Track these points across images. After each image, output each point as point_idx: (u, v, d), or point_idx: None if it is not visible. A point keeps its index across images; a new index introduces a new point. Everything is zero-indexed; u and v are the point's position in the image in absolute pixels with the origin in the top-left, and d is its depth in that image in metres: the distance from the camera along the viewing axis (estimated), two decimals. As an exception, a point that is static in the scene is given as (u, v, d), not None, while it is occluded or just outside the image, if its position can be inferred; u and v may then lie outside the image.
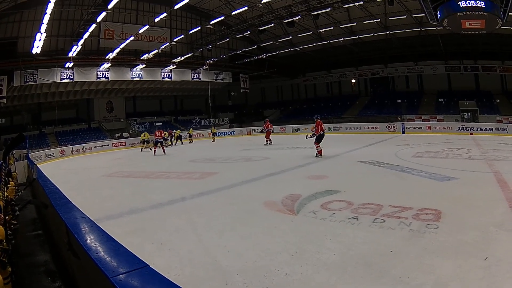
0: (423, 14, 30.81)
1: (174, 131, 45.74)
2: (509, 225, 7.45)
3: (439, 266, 5.70)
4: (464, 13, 25.27)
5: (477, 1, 24.08)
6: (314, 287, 5.40)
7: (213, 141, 41.69)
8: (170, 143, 41.62)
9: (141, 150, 36.97)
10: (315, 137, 21.00)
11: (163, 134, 32.89)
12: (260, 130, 47.71)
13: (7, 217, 6.69)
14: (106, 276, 3.10)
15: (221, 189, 13.60)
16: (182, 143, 42.98)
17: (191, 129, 47.30)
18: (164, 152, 31.02)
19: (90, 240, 4.44)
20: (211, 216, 9.83)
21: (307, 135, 22.19)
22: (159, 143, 31.57)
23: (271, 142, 32.85)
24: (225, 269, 6.24)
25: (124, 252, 3.88)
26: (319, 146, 20.79)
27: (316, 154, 20.69)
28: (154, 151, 31.94)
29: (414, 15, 37.28)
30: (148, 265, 3.39)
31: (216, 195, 12.60)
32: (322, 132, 21.04)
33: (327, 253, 6.55)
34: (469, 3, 24.27)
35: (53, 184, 10.93)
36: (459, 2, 24.49)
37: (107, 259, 3.67)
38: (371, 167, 16.57)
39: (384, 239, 7.09)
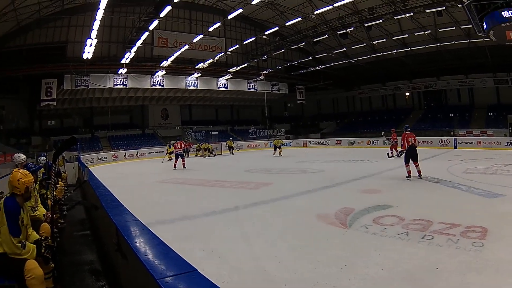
0: (471, 26, 30.58)
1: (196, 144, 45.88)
2: (554, 246, 7.37)
3: (481, 285, 5.74)
4: (508, 23, 25.00)
5: (519, 12, 23.84)
6: None
7: (280, 154, 36.87)
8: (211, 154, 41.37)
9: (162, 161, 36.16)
10: (402, 154, 19.01)
11: (183, 146, 30.50)
12: (350, 143, 47.81)
13: (54, 216, 6.98)
14: (153, 278, 3.21)
15: (275, 200, 13.73)
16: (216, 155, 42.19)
17: (230, 140, 45.54)
18: (184, 166, 28.34)
19: (140, 242, 4.58)
20: (263, 226, 10.03)
21: (390, 153, 23.84)
22: (179, 156, 28.75)
23: (396, 154, 27.85)
24: (273, 279, 6.38)
25: (174, 256, 3.96)
26: (408, 166, 17.54)
27: (407, 176, 17.43)
28: (175, 165, 28.83)
29: (462, 26, 37.15)
30: (196, 270, 3.45)
31: (270, 205, 12.76)
32: (409, 146, 17.62)
33: (375, 268, 6.64)
34: (511, 13, 24.00)
35: (104, 186, 11.18)
36: (502, 13, 24.26)
37: (155, 261, 3.76)
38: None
39: (431, 256, 7.14)
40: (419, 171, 17.46)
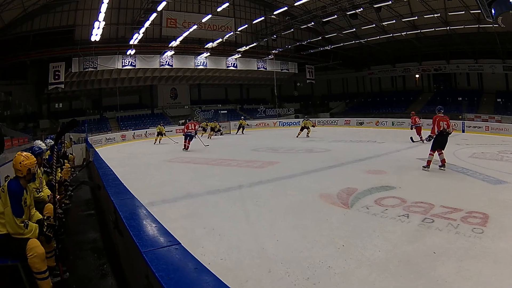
0: (480, 11, 30.37)
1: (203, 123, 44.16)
2: (555, 236, 7.37)
3: (477, 272, 5.73)
4: (515, 10, 24.79)
5: (527, -2, 23.60)
6: (354, 282, 5.57)
7: (308, 135, 34.42)
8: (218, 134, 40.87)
9: (154, 142, 34.73)
10: (431, 140, 15.72)
11: (196, 127, 27.99)
12: (359, 123, 47.94)
13: (58, 197, 7.13)
14: (139, 250, 3.43)
15: (279, 178, 13.86)
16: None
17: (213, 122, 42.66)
18: (187, 149, 26.37)
19: (133, 218, 4.79)
20: (266, 205, 10.10)
21: (415, 137, 22.65)
22: (188, 138, 26.40)
23: (421, 139, 24.62)
24: (270, 257, 6.50)
25: (162, 230, 4.11)
26: (432, 154, 15.26)
27: (424, 166, 15.25)
28: (187, 146, 26.46)
29: (471, 11, 36.77)
30: (180, 243, 3.60)
31: (274, 184, 12.85)
32: (440, 132, 15.14)
33: (372, 249, 6.69)
34: (519, 0, 23.80)
35: (108, 166, 11.36)
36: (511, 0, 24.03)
37: (143, 236, 3.98)
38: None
39: (430, 239, 7.17)
40: (443, 160, 15.09)
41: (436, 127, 15.25)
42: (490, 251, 6.56)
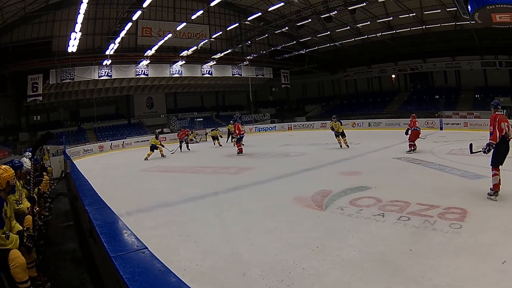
0: (456, 8, 30.60)
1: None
2: (533, 228, 7.36)
3: (455, 267, 5.74)
4: (493, 6, 24.93)
5: (506, -6, 23.78)
6: (328, 283, 5.59)
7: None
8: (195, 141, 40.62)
9: (145, 158, 27.79)
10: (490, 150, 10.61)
11: (242, 130, 26.96)
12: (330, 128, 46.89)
13: (37, 209, 7.32)
14: (109, 256, 3.55)
15: (255, 184, 13.87)
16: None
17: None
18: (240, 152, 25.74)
19: (105, 226, 4.89)
20: (241, 210, 10.17)
21: (409, 146, 20.01)
22: (239, 139, 26.30)
23: (414, 149, 20.50)
24: (245, 261, 6.55)
25: (132, 237, 4.22)
26: (497, 173, 10.17)
27: (491, 194, 9.81)
28: (240, 149, 25.90)
29: (448, 9, 36.79)
30: (147, 248, 3.69)
31: (249, 189, 12.85)
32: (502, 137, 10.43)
33: (347, 250, 6.72)
34: (497, -4, 23.98)
35: (84, 177, 11.33)
36: (488, -5, 24.23)
37: (114, 242, 4.10)
38: (406, 163, 16.65)
39: (406, 237, 7.19)
40: (495, 186, 9.97)
41: (497, 131, 10.46)
42: (468, 245, 6.58)
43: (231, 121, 37.63)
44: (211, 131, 38.98)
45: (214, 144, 35.56)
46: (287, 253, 6.68)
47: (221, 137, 37.66)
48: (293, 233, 7.80)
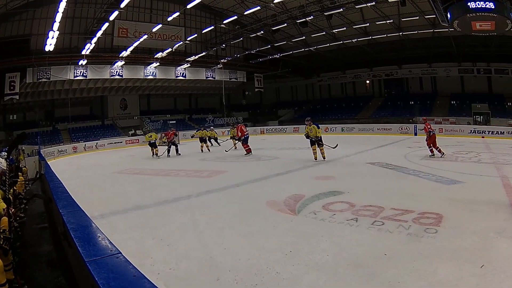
0: (435, 15, 30.72)
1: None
2: (510, 232, 7.42)
3: (432, 271, 5.70)
4: (473, 14, 25.15)
5: (486, 3, 23.93)
6: (302, 287, 5.52)
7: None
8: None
9: (153, 155, 29.54)
10: None
11: (244, 132, 26.92)
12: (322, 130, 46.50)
13: (13, 210, 7.21)
14: (83, 260, 3.48)
15: (227, 187, 13.75)
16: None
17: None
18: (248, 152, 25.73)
19: (79, 230, 4.76)
20: (213, 214, 10.04)
21: (431, 151, 19.50)
22: (245, 140, 25.95)
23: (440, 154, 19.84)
24: (219, 265, 6.46)
25: (106, 241, 4.14)
26: None
27: None
28: (248, 149, 25.67)
29: (426, 16, 37.03)
30: (121, 252, 3.62)
31: (222, 193, 12.75)
32: None
33: (320, 254, 6.67)
34: (478, 4, 24.13)
35: (58, 179, 11.12)
36: (468, 3, 24.40)
37: (88, 246, 3.99)
38: (379, 169, 16.64)
39: (380, 242, 7.15)
40: None
41: None
42: (445, 250, 6.58)
43: (201, 128, 37.37)
44: (208, 130, 36.32)
45: (202, 150, 31.40)
46: (260, 258, 6.64)
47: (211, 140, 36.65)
48: (266, 237, 7.77)
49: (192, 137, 39.80)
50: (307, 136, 21.09)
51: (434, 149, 19.71)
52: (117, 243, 3.98)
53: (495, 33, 29.26)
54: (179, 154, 29.03)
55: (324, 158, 20.35)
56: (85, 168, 24.84)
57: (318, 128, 20.83)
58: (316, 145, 20.73)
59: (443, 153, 19.29)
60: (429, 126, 20.80)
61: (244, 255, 6.78)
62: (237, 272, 6.05)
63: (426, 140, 20.64)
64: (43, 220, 10.96)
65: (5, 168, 8.88)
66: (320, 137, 20.79)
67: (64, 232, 5.61)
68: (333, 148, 21.49)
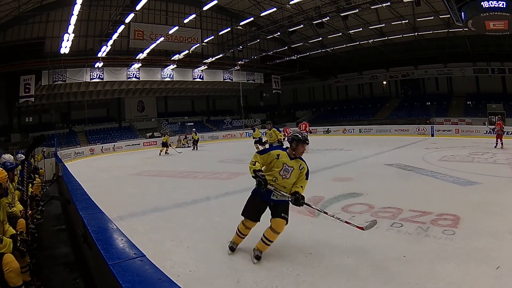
0: (449, 15, 30.59)
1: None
2: (526, 234, 7.36)
3: (449, 273, 5.72)
4: (487, 13, 25.00)
5: (498, 1, 23.79)
6: None
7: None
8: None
9: (160, 153, 32.82)
10: None
11: (307, 128, 28.08)
12: (326, 131, 47.05)
13: (30, 212, 7.16)
14: (106, 263, 3.54)
15: (246, 189, 13.31)
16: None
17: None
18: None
19: (101, 232, 4.88)
20: (233, 216, 9.60)
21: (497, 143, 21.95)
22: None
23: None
24: (239, 267, 6.45)
25: (129, 244, 4.23)
26: None
27: None
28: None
29: (441, 16, 36.97)
30: (145, 255, 3.70)
31: (241, 195, 12.42)
32: None
33: (340, 256, 6.66)
34: (491, 3, 23.96)
35: (76, 181, 11.23)
36: (482, 3, 24.25)
37: (111, 249, 4.09)
38: (397, 170, 16.55)
39: (399, 243, 7.16)
40: None
41: None
42: (462, 251, 6.57)
43: (194, 129, 37.93)
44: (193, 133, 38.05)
45: (160, 154, 32.93)
46: (280, 260, 6.64)
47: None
48: (286, 239, 7.62)
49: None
50: (261, 141, 23.70)
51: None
52: (136, 246, 4.11)
53: (508, 33, 29.09)
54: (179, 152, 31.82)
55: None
56: (103, 170, 24.88)
57: (279, 131, 22.85)
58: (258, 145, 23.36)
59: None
60: (500, 125, 24.08)
61: (264, 257, 6.76)
62: (257, 274, 6.05)
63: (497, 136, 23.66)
64: (60, 222, 11.12)
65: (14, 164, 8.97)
66: (281, 139, 22.05)
67: (84, 234, 5.74)
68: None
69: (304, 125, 27.43)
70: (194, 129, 39.48)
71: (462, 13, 26.52)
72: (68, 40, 37.17)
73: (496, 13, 24.78)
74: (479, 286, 5.31)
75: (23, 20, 39.38)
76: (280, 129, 25.57)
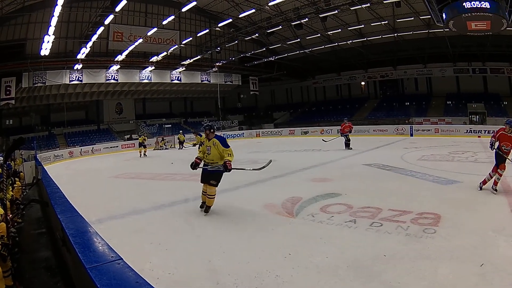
0: (430, 16, 30.72)
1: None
2: (509, 231, 7.41)
3: (432, 271, 5.70)
4: (469, 14, 25.15)
5: (482, 2, 23.95)
6: None
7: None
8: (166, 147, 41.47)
9: (140, 155, 33.23)
10: None
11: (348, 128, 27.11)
12: (304, 132, 47.82)
13: (10, 215, 7.14)
14: (84, 266, 3.50)
15: (223, 191, 13.34)
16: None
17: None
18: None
19: (78, 235, 4.82)
20: (211, 217, 10.00)
21: None
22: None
23: None
24: (218, 269, 6.40)
25: (106, 247, 4.18)
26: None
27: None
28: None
29: (421, 17, 37.07)
30: (122, 258, 3.67)
31: (218, 197, 12.43)
32: None
33: (320, 256, 6.63)
34: (473, 4, 24.15)
35: (55, 184, 11.21)
36: (464, 3, 24.42)
37: (88, 252, 4.04)
38: (376, 170, 16.59)
39: (379, 243, 7.14)
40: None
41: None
42: (444, 249, 6.58)
43: (180, 131, 38.18)
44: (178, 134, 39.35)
45: (141, 155, 33.52)
46: (259, 261, 6.61)
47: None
48: (264, 240, 7.73)
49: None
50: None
51: None
52: (115, 248, 4.03)
53: (491, 33, 29.27)
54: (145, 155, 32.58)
55: None
56: (82, 173, 24.81)
57: (200, 136, 25.01)
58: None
59: None
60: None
61: (243, 258, 6.74)
62: (237, 276, 6.02)
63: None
64: (40, 226, 10.95)
65: None
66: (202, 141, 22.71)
67: (63, 237, 5.63)
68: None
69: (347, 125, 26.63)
70: (181, 131, 40.64)
71: (444, 13, 26.65)
72: (48, 42, 36.80)
73: (478, 13, 24.93)
74: (464, 284, 5.29)
75: (5, 22, 39.06)
76: (201, 133, 26.14)
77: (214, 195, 10.29)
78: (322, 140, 28.07)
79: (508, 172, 12.58)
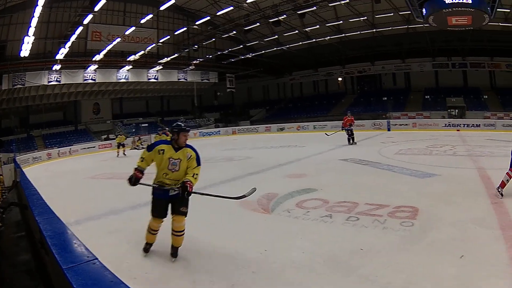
0: (410, 12, 30.79)
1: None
2: (489, 222, 7.40)
3: (410, 264, 5.70)
4: (450, 9, 25.26)
5: (464, -3, 24.09)
6: (280, 285, 5.56)
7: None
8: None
9: (118, 155, 32.54)
10: None
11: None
12: (280, 129, 48.20)
13: None
14: (61, 267, 3.43)
15: (198, 189, 13.46)
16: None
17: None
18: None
19: (55, 237, 4.70)
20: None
21: None
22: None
23: None
24: (194, 268, 6.40)
25: (83, 247, 4.09)
26: None
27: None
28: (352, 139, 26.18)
29: (401, 13, 37.18)
30: (97, 258, 3.59)
31: (194, 195, 12.54)
32: None
33: (296, 252, 6.67)
34: (455, -1, 24.26)
35: (32, 186, 11.10)
36: (445, -2, 24.50)
37: (65, 253, 3.95)
38: (352, 165, 16.67)
39: (356, 237, 7.14)
40: None
41: None
42: (423, 242, 6.60)
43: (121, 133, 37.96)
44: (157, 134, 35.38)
45: (118, 155, 32.70)
46: (236, 258, 6.60)
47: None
48: (240, 237, 7.76)
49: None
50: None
51: None
52: (93, 249, 3.95)
53: (472, 28, 29.40)
54: (125, 155, 32.39)
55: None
56: (60, 175, 24.62)
57: (166, 135, 23.47)
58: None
59: None
60: None
61: (219, 256, 6.77)
62: (213, 273, 6.04)
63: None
64: (20, 229, 10.80)
65: None
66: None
67: (40, 239, 5.57)
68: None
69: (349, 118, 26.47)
70: (167, 128, 39.87)
71: (424, 9, 26.73)
72: (28, 43, 36.76)
73: (459, 8, 25.01)
74: (443, 276, 5.27)
75: (-13, 23, 38.74)
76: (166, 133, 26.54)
77: (184, 229, 7.05)
78: (325, 134, 28.15)
79: (488, 163, 12.58)
